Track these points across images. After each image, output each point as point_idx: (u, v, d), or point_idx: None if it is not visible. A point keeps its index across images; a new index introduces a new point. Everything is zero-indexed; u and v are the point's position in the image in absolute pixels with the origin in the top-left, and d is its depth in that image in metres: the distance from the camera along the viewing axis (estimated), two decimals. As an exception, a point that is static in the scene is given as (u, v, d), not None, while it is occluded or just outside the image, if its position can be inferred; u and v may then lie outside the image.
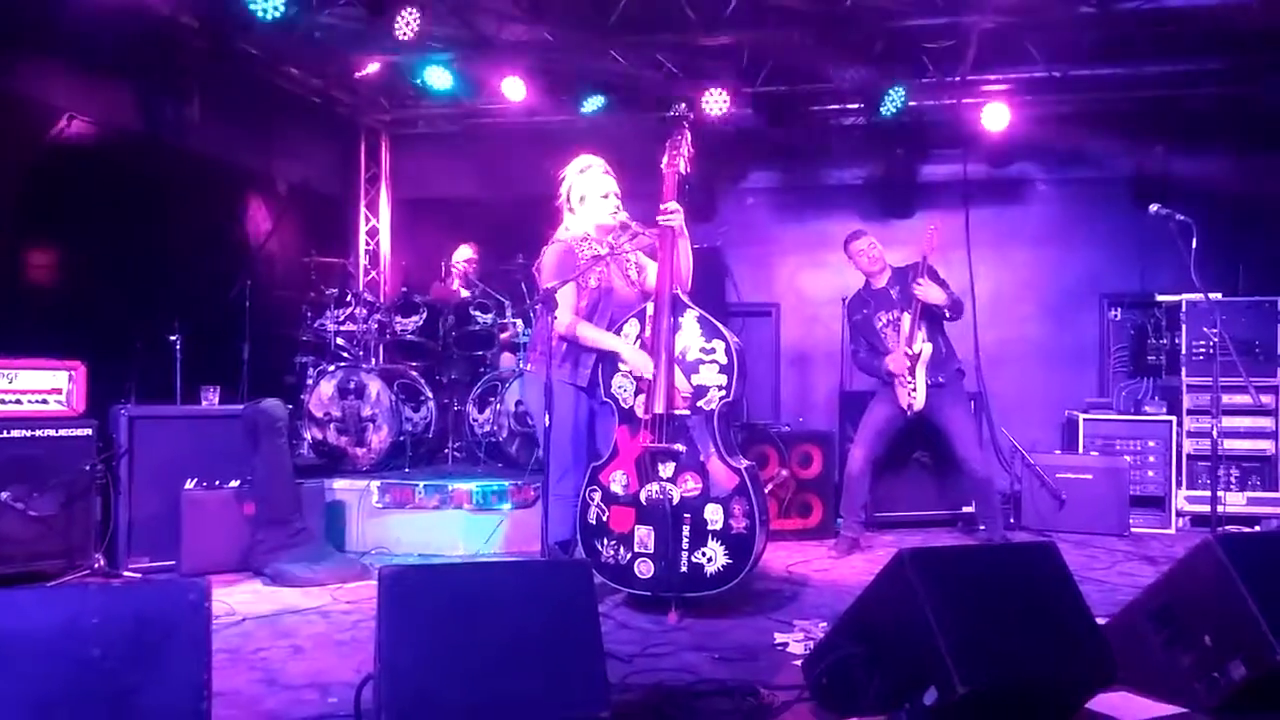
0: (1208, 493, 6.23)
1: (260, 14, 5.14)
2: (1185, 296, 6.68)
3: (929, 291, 5.78)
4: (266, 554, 5.20)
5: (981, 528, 6.31)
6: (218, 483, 5.34)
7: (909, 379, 5.84)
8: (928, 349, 5.86)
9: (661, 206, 4.50)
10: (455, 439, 6.94)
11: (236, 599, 4.76)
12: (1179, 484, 6.78)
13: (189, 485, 5.26)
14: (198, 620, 2.28)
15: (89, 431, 5.06)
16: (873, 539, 6.39)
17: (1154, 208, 4.92)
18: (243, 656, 3.84)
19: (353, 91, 7.64)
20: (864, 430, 6.09)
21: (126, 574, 5.01)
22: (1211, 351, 6.00)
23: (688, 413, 4.40)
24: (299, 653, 3.92)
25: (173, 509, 5.18)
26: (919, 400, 5.84)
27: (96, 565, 4.94)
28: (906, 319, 5.86)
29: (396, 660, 2.40)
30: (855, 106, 7.37)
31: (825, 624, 4.17)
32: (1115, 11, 5.73)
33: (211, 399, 5.71)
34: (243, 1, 5.11)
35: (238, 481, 5.35)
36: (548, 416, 4.01)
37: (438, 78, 6.88)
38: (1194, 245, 4.78)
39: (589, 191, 4.60)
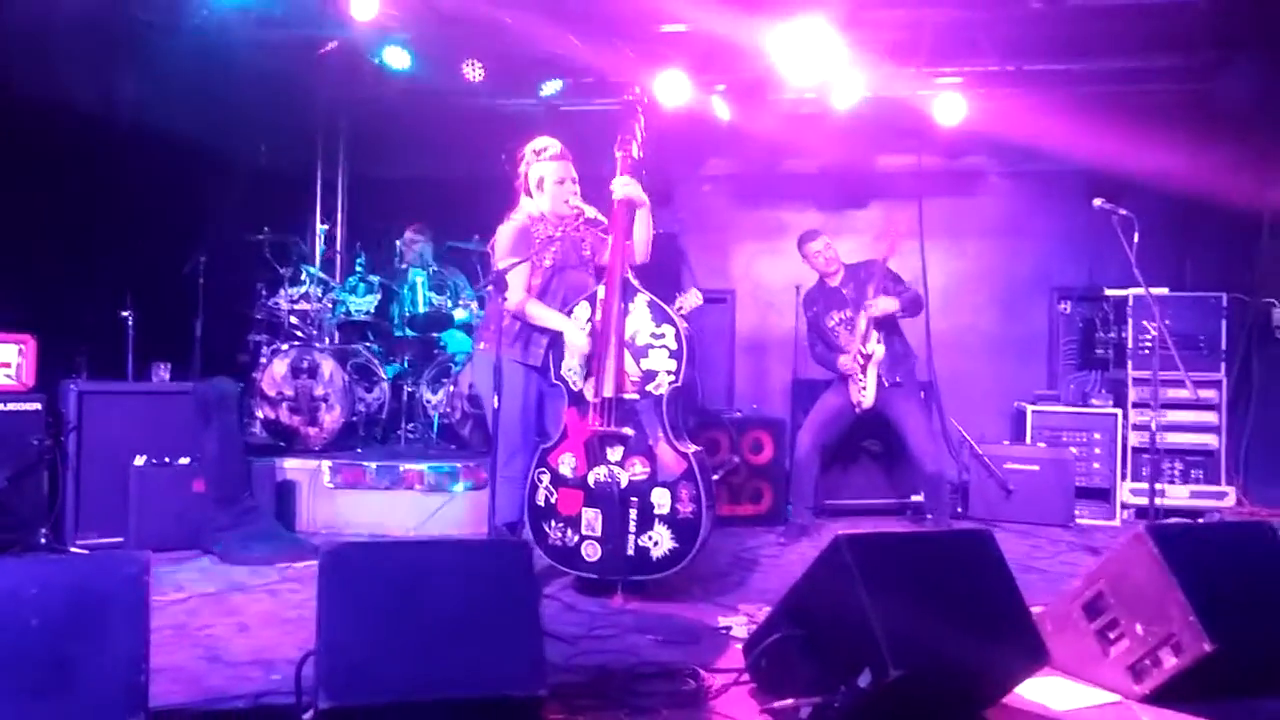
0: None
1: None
2: (1132, 291, 6.79)
3: (880, 306, 5.87)
4: (216, 531, 5.20)
5: (929, 517, 6.40)
6: (168, 459, 5.32)
7: (861, 378, 5.92)
8: (880, 350, 5.93)
9: (613, 185, 4.52)
10: (408, 420, 6.93)
11: (184, 576, 4.77)
12: (1124, 476, 6.90)
13: (138, 461, 5.24)
14: (136, 593, 2.29)
15: (38, 406, 5.04)
16: (822, 526, 6.44)
17: (1097, 202, 5.02)
18: (188, 633, 3.85)
19: (312, 69, 7.54)
20: (813, 417, 6.17)
21: (73, 549, 4.98)
22: (1159, 345, 6.10)
23: (637, 397, 4.44)
24: (244, 630, 3.93)
25: (121, 485, 5.18)
26: (868, 399, 5.94)
27: (43, 540, 4.90)
28: (862, 318, 5.93)
29: (335, 637, 2.42)
30: (811, 96, 7.40)
31: (768, 608, 4.23)
32: (1064, 8, 5.80)
33: (163, 375, 5.68)
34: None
35: (188, 459, 5.34)
36: (496, 397, 4.04)
37: (396, 58, 6.83)
38: (1135, 240, 4.87)
39: (546, 176, 4.62)
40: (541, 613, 3.99)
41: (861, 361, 5.92)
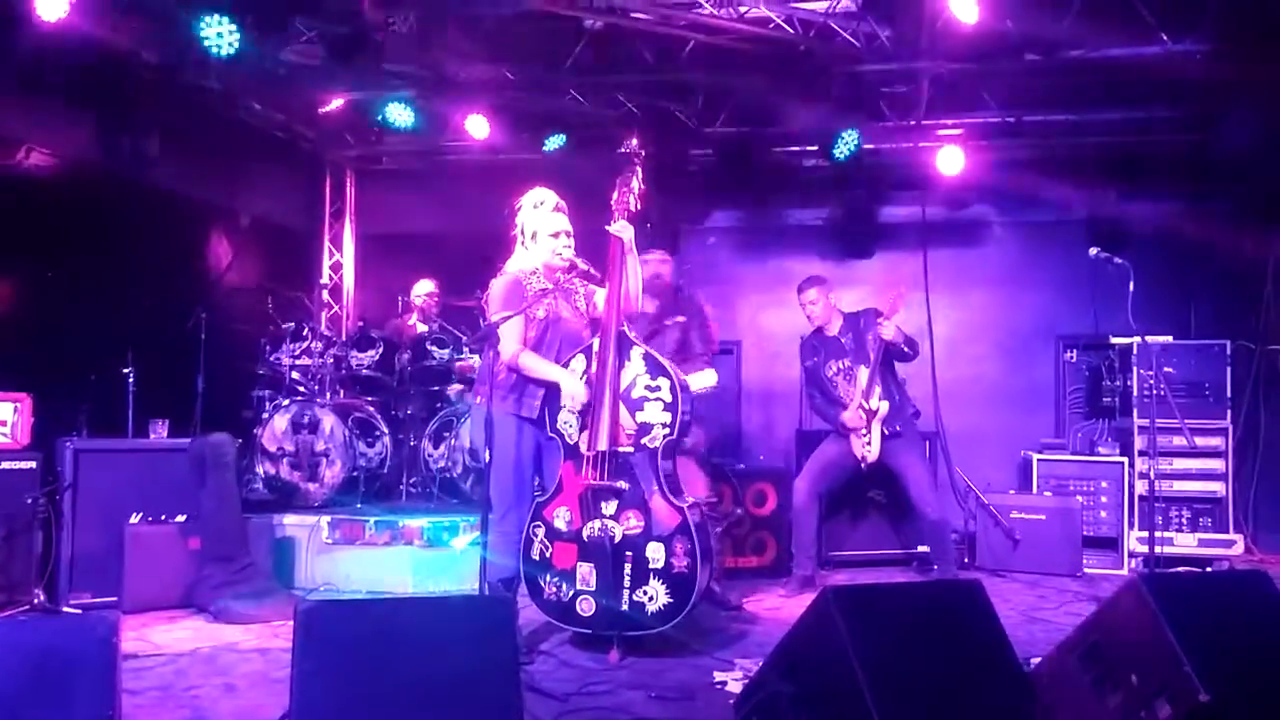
0: (1159, 534, 6.30)
1: (215, 50, 5.17)
2: (1136, 339, 6.76)
3: (890, 330, 5.78)
4: (211, 590, 5.16)
5: (935, 568, 6.32)
6: (163, 517, 5.30)
7: (865, 433, 5.87)
8: (884, 407, 5.87)
9: (609, 228, 4.53)
10: (410, 474, 6.91)
11: (176, 635, 4.74)
12: (1131, 525, 6.81)
13: (133, 520, 5.21)
14: (105, 656, 2.27)
15: (33, 464, 5.03)
16: (826, 578, 6.39)
17: (1093, 251, 5.01)
18: (173, 694, 3.80)
19: (317, 127, 7.66)
20: (810, 464, 6.12)
21: (66, 609, 4.95)
22: (1161, 393, 6.06)
23: (631, 450, 4.41)
24: (231, 691, 3.88)
25: (116, 544, 5.15)
26: (873, 453, 5.88)
27: (36, 601, 4.87)
28: (863, 372, 5.89)
29: (310, 698, 2.39)
30: (814, 148, 7.45)
31: (765, 662, 4.18)
32: (1060, 60, 5.83)
33: (160, 432, 5.68)
34: (197, 37, 5.13)
35: (184, 516, 5.32)
36: (488, 451, 4.02)
37: (399, 115, 6.92)
38: (1131, 289, 4.85)
39: (540, 229, 4.62)
40: (525, 670, 4.02)
41: (865, 418, 5.88)
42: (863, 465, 5.94)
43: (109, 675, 2.28)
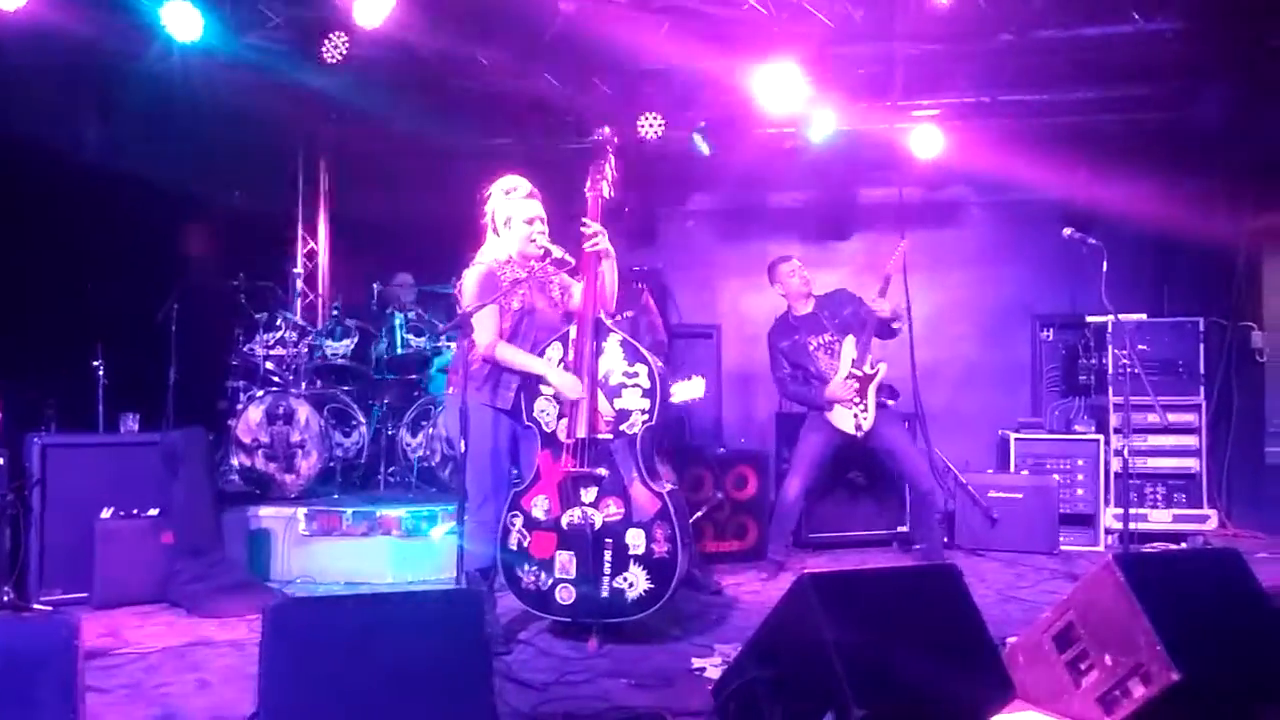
0: (1134, 510, 6.33)
1: (177, 36, 5.09)
2: (1110, 317, 6.77)
3: (886, 306, 5.78)
4: (184, 584, 5.12)
5: (917, 546, 6.33)
6: (135, 512, 5.24)
7: (858, 400, 5.82)
8: (883, 368, 5.86)
9: (583, 230, 4.50)
10: (388, 464, 6.87)
11: (149, 631, 4.69)
12: (1107, 502, 6.85)
13: (105, 514, 5.15)
14: (66, 658, 2.23)
15: (1, 460, 4.95)
16: (807, 560, 6.41)
17: (1067, 232, 5.01)
18: (144, 692, 3.77)
19: (289, 113, 7.56)
20: (800, 461, 6.01)
21: (37, 606, 4.89)
22: (1135, 371, 6.07)
23: (610, 437, 4.39)
24: (204, 687, 3.85)
25: (87, 539, 5.08)
26: (868, 420, 5.80)
27: (6, 598, 4.81)
28: (849, 342, 5.86)
29: (278, 697, 2.36)
30: (791, 130, 7.41)
31: (744, 648, 4.18)
32: (1034, 39, 5.81)
33: (131, 426, 5.62)
34: (161, 24, 5.05)
35: (156, 510, 5.26)
36: (464, 441, 3.99)
37: (372, 101, 6.84)
38: (1105, 268, 4.85)
39: (513, 216, 4.57)
40: (503, 660, 4.01)
41: (857, 384, 5.82)
42: (858, 434, 5.82)
43: (70, 678, 2.24)
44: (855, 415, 5.82)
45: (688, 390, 5.19)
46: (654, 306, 5.82)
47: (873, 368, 5.85)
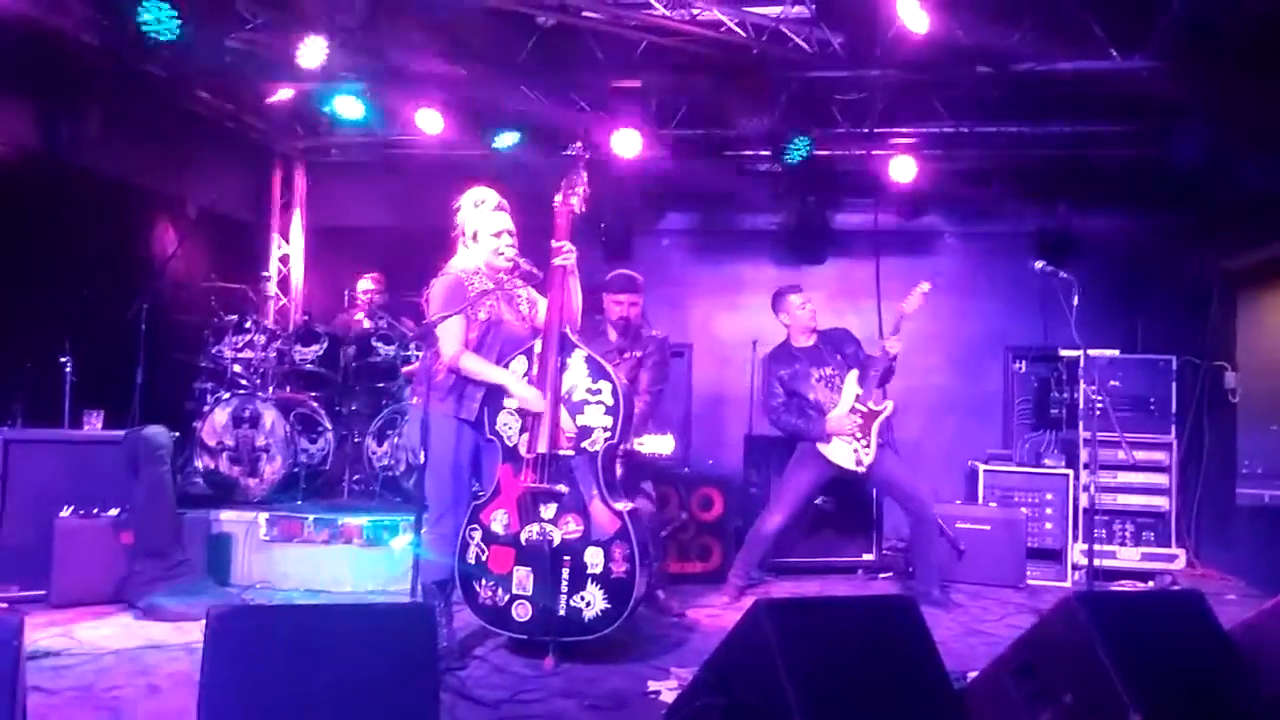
0: (1103, 547, 6.34)
1: (154, 35, 5.04)
2: (1082, 352, 6.78)
3: (898, 345, 5.75)
4: (142, 586, 5.05)
5: (911, 569, 6.22)
6: (95, 511, 5.18)
7: (860, 436, 5.77)
8: (890, 405, 5.82)
9: (554, 245, 4.49)
10: (353, 472, 6.81)
11: (103, 632, 4.62)
12: (1075, 537, 6.84)
13: (65, 513, 5.09)
14: (7, 660, 2.17)
15: (-36, 455, 4.88)
16: (770, 584, 6.38)
17: (1038, 265, 5.03)
18: (93, 695, 3.70)
19: (265, 117, 7.52)
20: (786, 496, 5.95)
21: (-10, 603, 4.83)
22: (1106, 406, 6.08)
23: (572, 453, 4.36)
24: (155, 692, 3.79)
25: (46, 537, 5.02)
26: (869, 457, 5.75)
27: (-38, 593, 4.74)
28: (852, 376, 5.83)
29: (218, 707, 2.31)
30: (767, 153, 7.42)
31: (701, 671, 4.14)
32: (1012, 72, 5.84)
33: (94, 423, 5.55)
34: (136, 22, 5.01)
35: (116, 510, 5.20)
36: (423, 453, 3.95)
37: (349, 107, 6.79)
38: (1075, 302, 4.87)
39: (482, 228, 4.55)
40: (456, 676, 3.96)
41: (861, 420, 5.77)
42: (858, 469, 5.76)
43: (10, 681, 2.19)
44: (856, 450, 5.77)
45: (656, 445, 5.17)
46: (667, 349, 5.80)
47: (879, 404, 5.81)
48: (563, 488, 4.32)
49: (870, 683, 2.83)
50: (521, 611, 4.30)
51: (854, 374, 5.86)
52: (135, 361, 6.36)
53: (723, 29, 5.79)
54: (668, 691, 3.94)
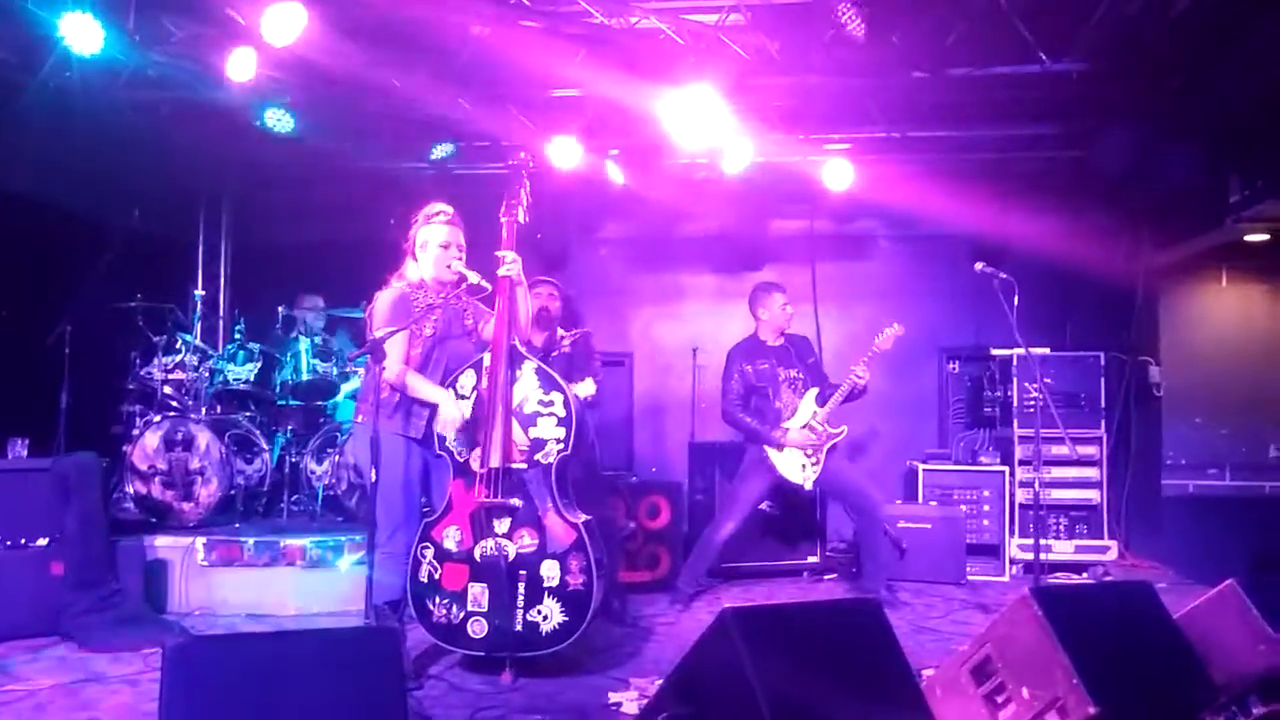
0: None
1: (74, 49, 4.88)
2: (1016, 351, 6.91)
3: (866, 375, 5.81)
4: (76, 617, 4.89)
5: (861, 569, 6.24)
6: (24, 541, 5.00)
7: (810, 454, 5.81)
8: (844, 430, 5.88)
9: (498, 255, 4.44)
10: (292, 492, 6.67)
11: (38, 666, 4.48)
12: (1012, 532, 6.97)
13: (-9, 544, 4.91)
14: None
15: (-120, 486, 4.67)
16: (719, 590, 6.39)
17: (979, 266, 5.10)
18: (33, 733, 3.57)
19: (192, 131, 7.32)
20: (737, 504, 5.98)
21: (-86, 642, 4.62)
22: (1039, 404, 6.19)
23: (525, 466, 4.32)
24: (97, 727, 3.66)
25: (-28, 569, 4.83)
26: (817, 472, 5.81)
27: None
28: (812, 394, 5.89)
29: (180, 742, 2.23)
30: (705, 161, 7.43)
31: (660, 681, 4.11)
32: (947, 77, 5.93)
33: (20, 451, 5.35)
34: (57, 38, 4.85)
35: (46, 539, 5.02)
36: (374, 471, 3.88)
37: (279, 121, 6.65)
38: (1016, 302, 4.95)
39: (430, 240, 4.50)
40: (413, 696, 3.89)
41: (816, 439, 5.79)
42: (804, 485, 5.84)
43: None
44: (805, 466, 5.82)
45: (578, 389, 5.13)
46: (593, 344, 5.77)
47: (835, 427, 5.86)
48: (517, 501, 4.28)
49: (839, 687, 2.83)
50: (477, 628, 4.24)
51: (814, 391, 5.90)
52: (59, 385, 6.18)
53: (660, 36, 5.78)
54: (629, 703, 3.92)
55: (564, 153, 6.87)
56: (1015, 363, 7.10)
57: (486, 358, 4.40)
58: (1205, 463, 7.36)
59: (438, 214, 4.55)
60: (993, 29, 5.50)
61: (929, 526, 6.81)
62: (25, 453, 5.35)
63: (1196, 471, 7.40)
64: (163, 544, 5.68)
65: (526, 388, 4.38)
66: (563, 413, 4.34)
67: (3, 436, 5.49)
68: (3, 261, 6.17)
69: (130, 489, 6.09)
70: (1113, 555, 7.03)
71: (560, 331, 5.68)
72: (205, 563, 5.65)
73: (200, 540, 5.69)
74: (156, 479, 6.05)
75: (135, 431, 6.21)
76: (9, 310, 6.04)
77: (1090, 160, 6.68)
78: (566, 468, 4.40)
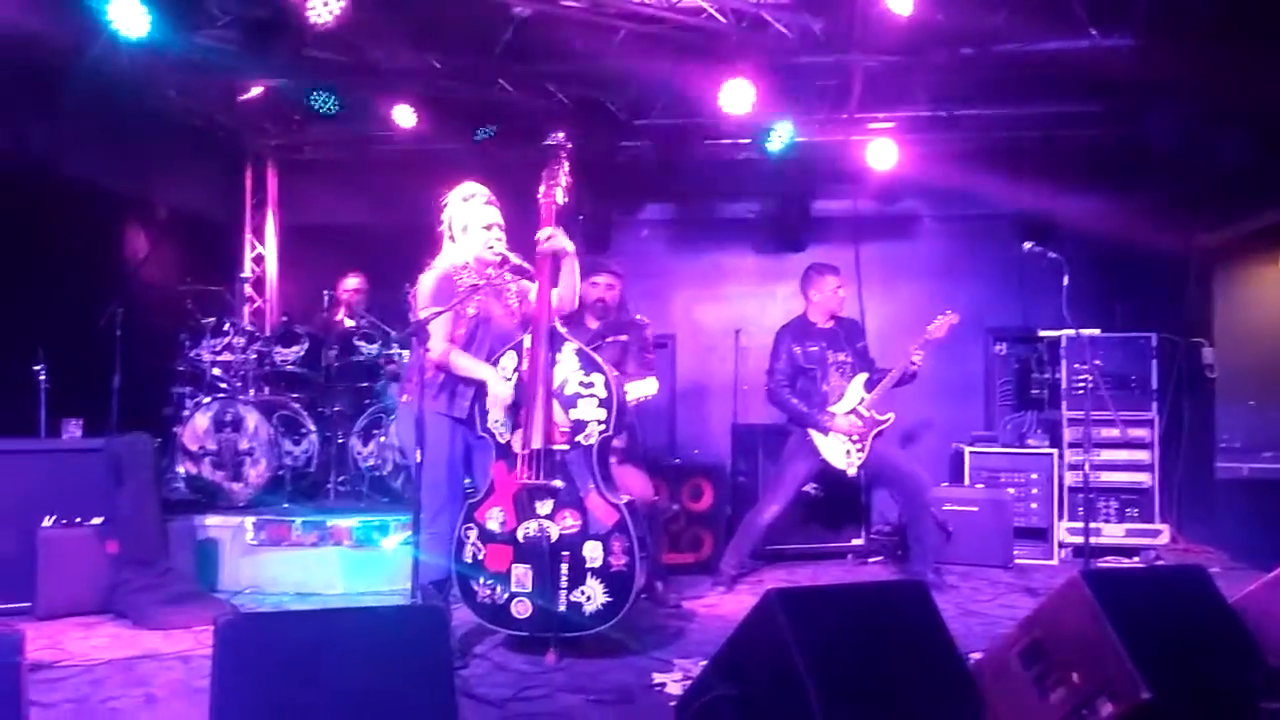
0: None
1: (123, 33, 4.94)
2: (1065, 332, 6.81)
3: (919, 359, 5.76)
4: (130, 595, 4.97)
5: (901, 553, 6.20)
6: (79, 520, 5.09)
7: (856, 440, 5.78)
8: (891, 418, 5.83)
9: (538, 236, 4.43)
10: (338, 473, 6.73)
11: (93, 643, 4.55)
12: (1060, 515, 6.89)
13: (47, 523, 5.00)
14: (9, 677, 2.11)
15: (-61, 468, 4.78)
16: (762, 572, 6.37)
17: (1027, 245, 5.03)
18: (89, 707, 3.63)
19: (236, 115, 7.40)
20: (782, 487, 5.94)
21: (-24, 618, 4.73)
22: (1089, 386, 6.11)
23: (566, 448, 4.32)
24: (152, 702, 3.72)
25: (29, 548, 4.93)
26: (860, 460, 5.77)
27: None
28: (861, 379, 5.85)
29: (229, 718, 2.26)
30: (747, 141, 7.39)
31: (704, 662, 4.11)
32: (994, 54, 5.84)
33: (74, 432, 5.45)
34: (105, 22, 4.90)
35: (100, 519, 5.11)
36: (419, 451, 3.90)
37: (322, 104, 6.69)
38: (1065, 282, 4.87)
39: (471, 222, 4.49)
40: (459, 675, 3.91)
41: (863, 425, 5.75)
42: (848, 471, 5.80)
43: (14, 697, 2.13)
44: (849, 453, 5.79)
45: (640, 389, 5.12)
46: (650, 336, 5.70)
47: (881, 414, 5.81)
48: (559, 483, 4.28)
49: (886, 668, 2.81)
50: (521, 609, 4.25)
51: (863, 376, 5.85)
52: (111, 367, 6.27)
53: (703, 15, 5.74)
54: (673, 683, 3.92)
55: (603, 131, 6.82)
56: (1064, 344, 6.99)
57: (526, 339, 4.39)
58: (1260, 445, 7.20)
59: (474, 195, 4.53)
60: (1042, 3, 5.41)
61: (976, 509, 6.74)
62: (79, 433, 5.45)
63: (1251, 455, 7.24)
64: (213, 523, 5.77)
65: (567, 369, 4.37)
66: (604, 394, 4.33)
67: (58, 418, 5.60)
68: (58, 244, 6.26)
69: (181, 469, 6.18)
70: (1164, 539, 6.92)
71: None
72: (254, 542, 5.73)
73: (249, 520, 5.77)
74: (206, 460, 6.14)
75: (185, 413, 6.30)
76: (64, 292, 6.12)
77: (1142, 137, 6.56)
78: (608, 449, 4.39)
